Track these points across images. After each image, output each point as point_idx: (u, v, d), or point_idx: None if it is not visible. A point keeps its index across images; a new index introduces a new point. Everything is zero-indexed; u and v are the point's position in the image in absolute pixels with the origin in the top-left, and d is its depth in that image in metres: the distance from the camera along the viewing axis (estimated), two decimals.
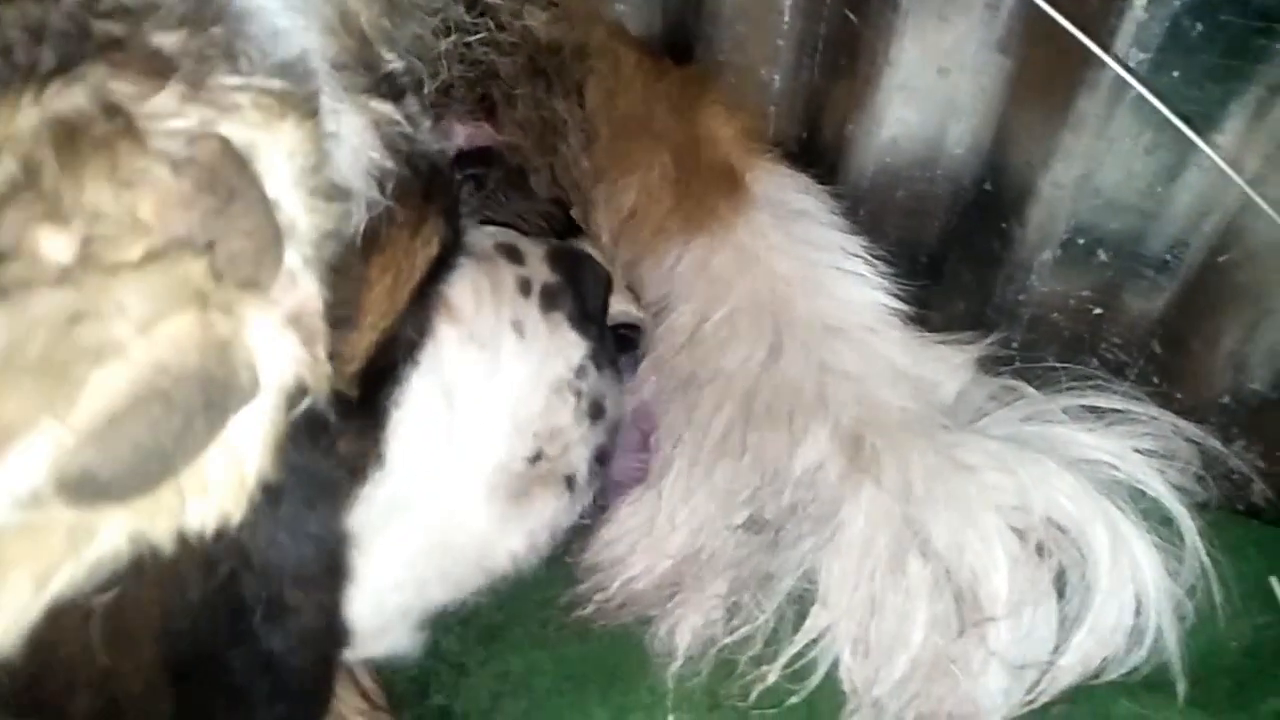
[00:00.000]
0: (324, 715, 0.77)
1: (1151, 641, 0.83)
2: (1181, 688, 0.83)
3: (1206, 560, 0.85)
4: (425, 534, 0.88)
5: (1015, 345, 1.11)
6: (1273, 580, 0.88)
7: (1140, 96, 0.82)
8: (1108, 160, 0.93)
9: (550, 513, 0.96)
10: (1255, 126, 0.83)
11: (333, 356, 0.54)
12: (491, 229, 1.00)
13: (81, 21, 0.47)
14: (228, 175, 0.46)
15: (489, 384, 0.90)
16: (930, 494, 0.85)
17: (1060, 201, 0.98)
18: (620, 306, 1.08)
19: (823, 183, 1.11)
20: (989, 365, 1.03)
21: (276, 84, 0.50)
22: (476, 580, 0.95)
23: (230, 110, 0.47)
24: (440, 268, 0.81)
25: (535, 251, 0.97)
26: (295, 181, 0.50)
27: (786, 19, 1.08)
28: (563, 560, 1.03)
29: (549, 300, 0.94)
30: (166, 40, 0.47)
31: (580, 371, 0.96)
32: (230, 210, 0.46)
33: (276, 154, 0.49)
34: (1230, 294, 0.93)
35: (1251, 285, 0.90)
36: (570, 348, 0.95)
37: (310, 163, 0.50)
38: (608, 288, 1.02)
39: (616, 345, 1.04)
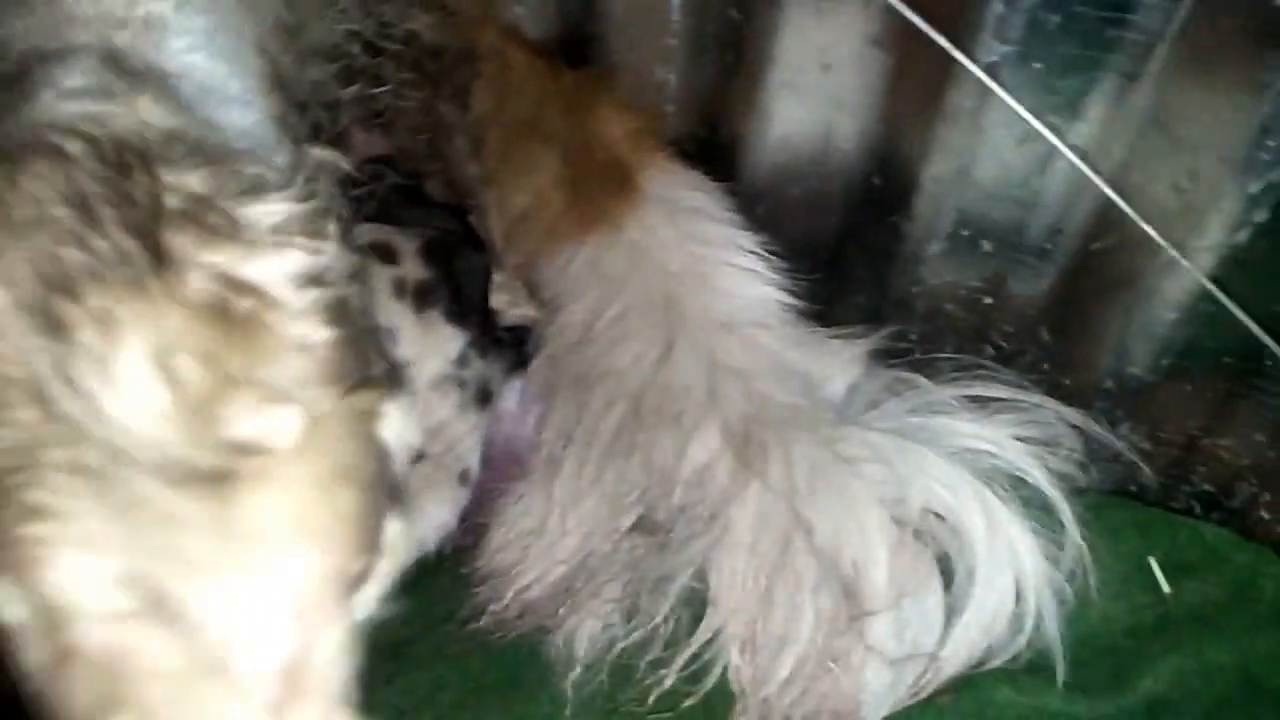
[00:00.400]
0: None
1: (1032, 627, 0.84)
2: (1061, 671, 0.84)
3: (1085, 544, 0.86)
4: None
5: (913, 338, 1.12)
6: (1151, 560, 0.89)
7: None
8: (982, 153, 0.93)
9: (444, 512, 0.95)
10: (1115, 115, 0.85)
11: None
12: (367, 226, 0.99)
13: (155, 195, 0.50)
14: None
15: None
16: (813, 489, 0.86)
17: (942, 194, 0.99)
18: (512, 308, 1.08)
19: (720, 181, 1.11)
20: (885, 359, 1.04)
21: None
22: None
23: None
24: None
25: (408, 247, 0.96)
26: None
27: (676, 18, 1.08)
28: (461, 570, 1.02)
29: (422, 298, 0.94)
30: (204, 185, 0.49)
31: (461, 361, 0.95)
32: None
33: None
34: (1105, 280, 0.94)
35: (1122, 270, 0.91)
36: (446, 342, 0.95)
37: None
38: (488, 273, 1.02)
39: (508, 345, 1.04)
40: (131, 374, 0.47)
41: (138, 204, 0.49)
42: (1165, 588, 0.89)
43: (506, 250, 1.07)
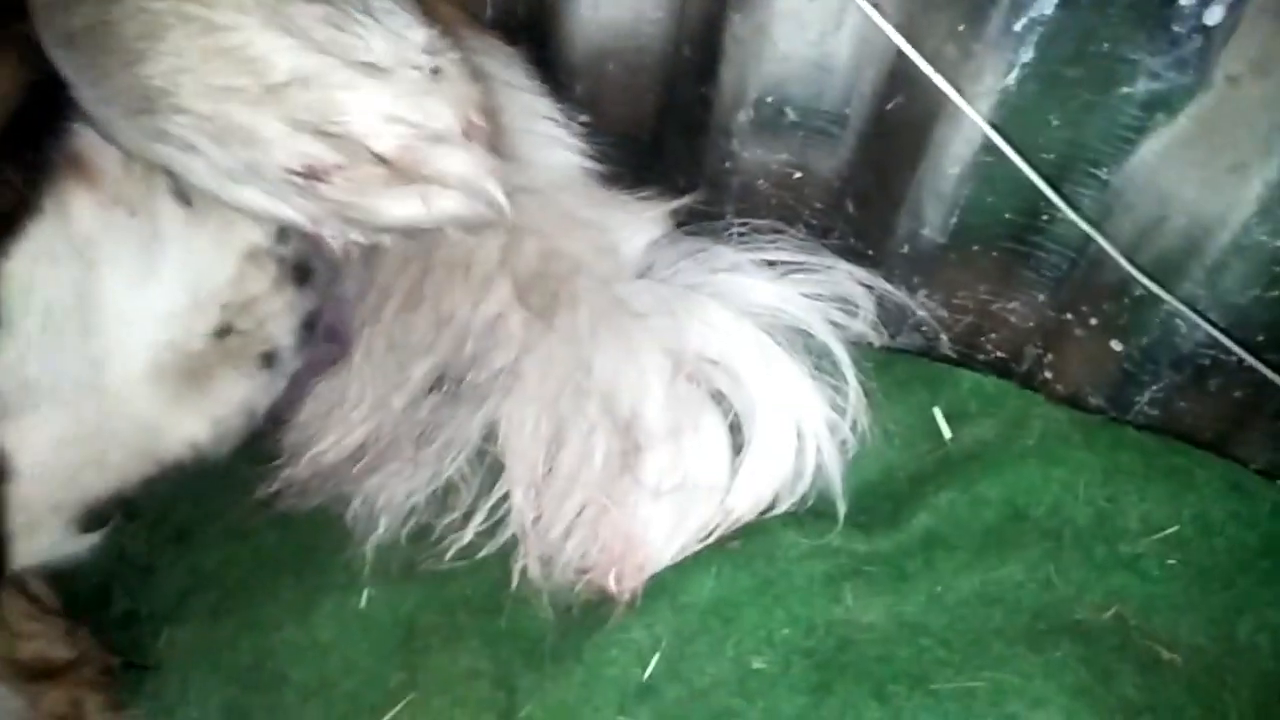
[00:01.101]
0: None
1: (814, 471, 0.86)
2: (842, 510, 0.85)
3: (870, 396, 0.88)
4: (69, 417, 0.81)
5: (728, 216, 1.12)
6: (935, 410, 0.92)
7: None
8: (778, 9, 0.93)
9: (241, 393, 0.90)
10: None
11: None
12: None
13: None
14: None
15: (149, 252, 0.84)
16: (596, 336, 0.85)
17: (745, 59, 0.99)
18: None
19: (542, 61, 1.08)
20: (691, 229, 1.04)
21: None
22: (144, 469, 0.87)
23: None
24: (39, 109, 0.75)
25: None
26: None
27: None
28: (265, 452, 0.98)
29: None
30: None
31: (281, 235, 0.90)
32: None
33: None
34: (899, 142, 0.95)
35: (913, 129, 0.92)
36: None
37: None
38: None
39: None
40: None
41: None
42: (947, 434, 0.92)
43: None
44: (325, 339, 1.01)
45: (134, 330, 0.84)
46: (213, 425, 0.89)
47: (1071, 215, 0.84)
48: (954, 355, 1.07)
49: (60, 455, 0.82)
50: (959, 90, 0.86)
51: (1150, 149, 0.83)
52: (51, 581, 0.96)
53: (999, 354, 1.06)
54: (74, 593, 0.99)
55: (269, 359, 0.91)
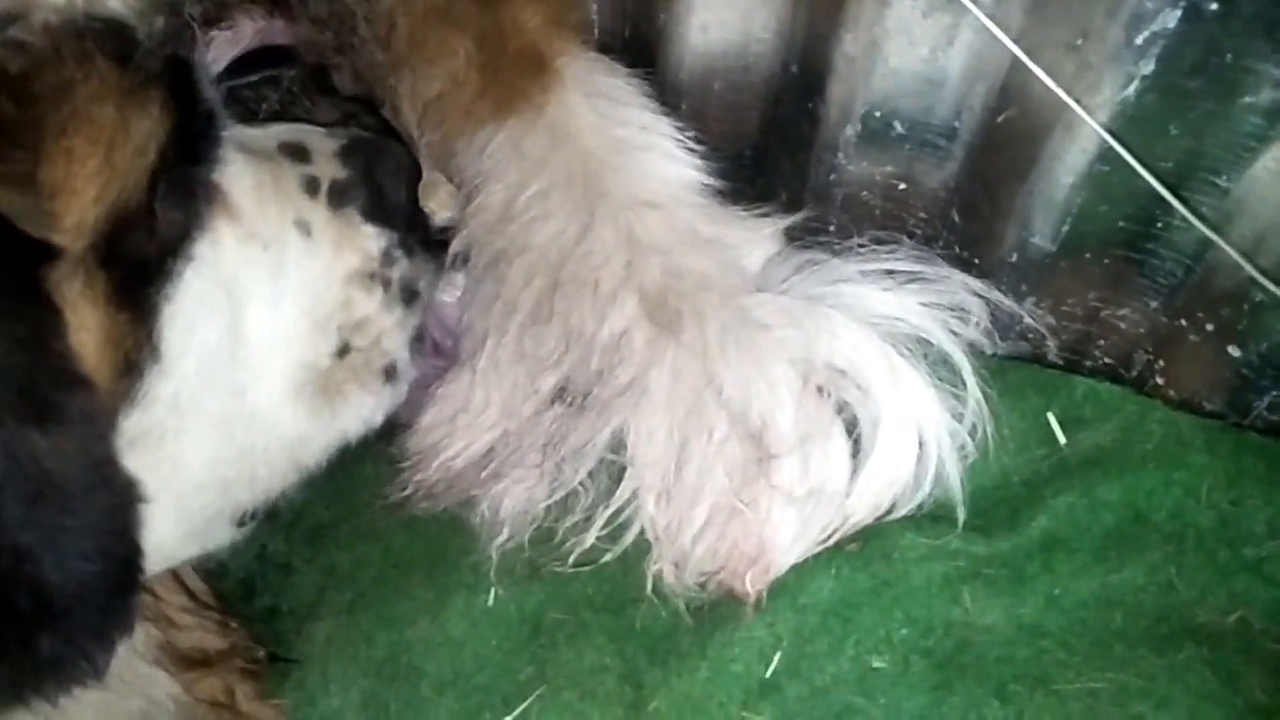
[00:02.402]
0: (123, 635, 0.75)
1: (935, 475, 0.87)
2: (961, 515, 0.87)
3: (986, 402, 0.89)
4: (224, 435, 0.86)
5: (832, 228, 1.14)
6: (1050, 415, 0.93)
7: None
8: (890, 26, 0.95)
9: (369, 405, 0.96)
10: None
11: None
12: (278, 128, 0.98)
13: None
14: None
15: (277, 283, 0.88)
16: (724, 349, 0.88)
17: (855, 75, 1.01)
18: (444, 210, 1.08)
19: (647, 78, 1.12)
20: (803, 242, 1.06)
21: None
22: (290, 477, 0.93)
23: None
24: (191, 151, 0.80)
25: (325, 148, 0.96)
26: None
27: None
28: (391, 455, 1.03)
29: (339, 197, 0.93)
30: None
31: (386, 259, 0.95)
32: None
33: None
34: (1009, 153, 0.97)
35: (1025, 140, 0.94)
36: (367, 240, 0.94)
37: None
38: (413, 174, 1.02)
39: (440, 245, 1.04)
40: None
41: None
42: (1062, 440, 0.93)
43: (422, 132, 1.07)
44: (432, 355, 1.06)
45: (272, 356, 0.88)
46: (343, 435, 0.94)
47: (1194, 221, 0.85)
48: (1061, 362, 1.08)
49: (214, 472, 0.86)
50: (1077, 101, 0.88)
51: (1273, 156, 0.84)
52: (205, 577, 1.02)
53: (1107, 360, 1.07)
54: (221, 589, 1.05)
55: (390, 372, 0.96)
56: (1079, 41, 0.85)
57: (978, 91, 0.98)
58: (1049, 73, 0.89)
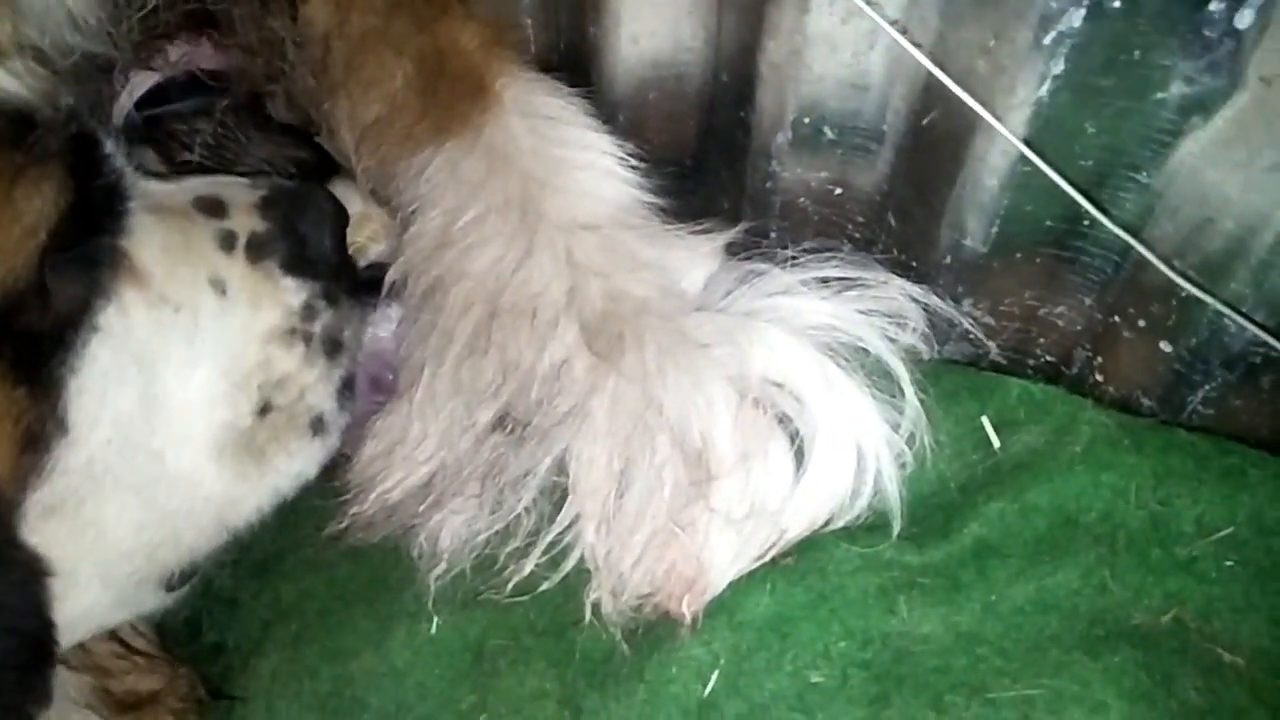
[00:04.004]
0: (40, 708, 0.75)
1: (873, 488, 0.87)
2: (897, 526, 0.86)
3: (922, 408, 0.89)
4: (146, 500, 0.86)
5: (773, 235, 1.14)
6: (984, 419, 0.93)
7: None
8: (810, 34, 0.95)
9: (299, 460, 0.94)
10: None
11: None
12: (195, 181, 0.97)
13: None
14: None
15: (192, 345, 0.88)
16: (663, 371, 0.87)
17: (781, 81, 1.01)
18: (374, 244, 1.07)
19: (584, 91, 1.11)
20: (742, 253, 1.05)
21: None
22: (218, 539, 0.92)
23: None
24: (92, 223, 0.79)
25: (244, 200, 0.95)
26: None
27: None
28: (335, 489, 1.02)
29: (256, 250, 0.92)
30: None
31: (307, 313, 0.94)
32: None
33: None
34: (936, 155, 0.96)
35: (950, 142, 0.93)
36: (287, 294, 0.93)
37: None
38: (339, 220, 1.01)
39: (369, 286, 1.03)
40: None
41: None
42: (995, 443, 0.92)
43: (360, 157, 1.07)
44: (370, 391, 1.05)
45: (191, 419, 0.88)
46: (273, 493, 0.94)
47: (1108, 224, 0.84)
48: (1004, 362, 1.07)
49: (139, 537, 0.86)
50: (993, 103, 0.87)
51: (1188, 151, 0.83)
52: (149, 616, 1.02)
53: (1049, 358, 1.06)
54: (167, 626, 1.04)
55: (317, 425, 0.95)
56: (991, 43, 0.84)
57: (901, 95, 0.97)
58: (965, 75, 0.88)
